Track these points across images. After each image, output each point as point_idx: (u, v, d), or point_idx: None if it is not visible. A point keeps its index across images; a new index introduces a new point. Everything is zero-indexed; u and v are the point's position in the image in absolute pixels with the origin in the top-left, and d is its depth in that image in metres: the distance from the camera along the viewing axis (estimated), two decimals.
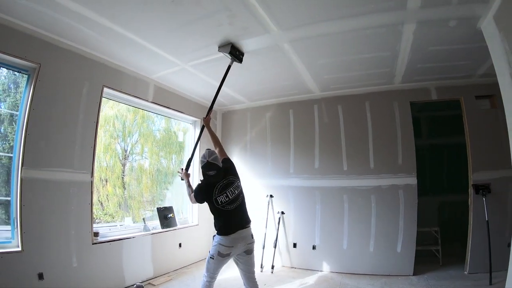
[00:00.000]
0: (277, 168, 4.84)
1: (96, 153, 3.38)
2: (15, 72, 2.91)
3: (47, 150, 2.87)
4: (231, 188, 2.47)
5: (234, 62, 3.25)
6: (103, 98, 3.47)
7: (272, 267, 4.37)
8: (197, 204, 3.81)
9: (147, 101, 4.05)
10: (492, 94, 3.75)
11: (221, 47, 3.11)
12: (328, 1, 2.42)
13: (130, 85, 3.81)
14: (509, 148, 2.64)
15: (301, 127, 4.74)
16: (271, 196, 4.76)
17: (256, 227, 4.66)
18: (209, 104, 3.35)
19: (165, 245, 4.16)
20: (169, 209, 4.47)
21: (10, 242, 2.63)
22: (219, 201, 2.40)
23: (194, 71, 3.80)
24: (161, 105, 4.26)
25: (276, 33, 2.88)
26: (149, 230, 4.05)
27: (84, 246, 3.11)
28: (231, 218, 2.44)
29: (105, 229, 3.79)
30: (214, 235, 2.44)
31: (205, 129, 3.12)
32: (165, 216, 4.32)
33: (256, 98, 4.95)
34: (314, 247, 4.41)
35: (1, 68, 2.84)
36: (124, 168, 5.16)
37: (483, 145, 3.77)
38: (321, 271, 4.30)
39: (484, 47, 2.78)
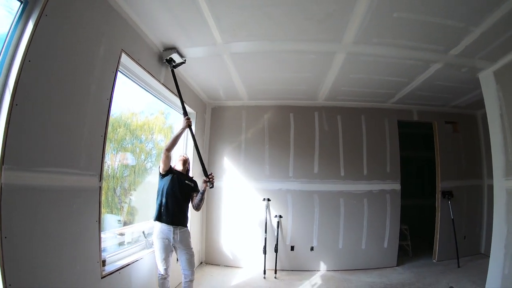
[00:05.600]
0: (276, 172, 4.83)
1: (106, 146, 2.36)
2: None
3: (43, 137, 1.74)
4: None
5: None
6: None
7: (275, 271, 4.34)
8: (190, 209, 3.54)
9: (159, 81, 3.25)
10: (456, 121, 4.86)
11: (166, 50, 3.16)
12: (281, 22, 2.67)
13: (146, 58, 2.96)
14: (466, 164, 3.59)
15: (301, 132, 4.87)
16: (268, 200, 4.72)
17: (254, 231, 4.61)
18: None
19: None
20: None
21: None
22: None
23: (228, 60, 3.43)
24: (169, 89, 3.52)
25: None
26: (151, 246, 3.26)
27: (92, 284, 2.16)
28: None
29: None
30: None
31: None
32: None
33: (258, 97, 4.79)
34: (312, 249, 4.61)
35: None
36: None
37: (448, 160, 4.82)
38: (318, 271, 4.54)
39: (469, 88, 3.85)
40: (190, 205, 3.08)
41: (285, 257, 4.62)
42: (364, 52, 3.13)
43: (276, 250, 4.45)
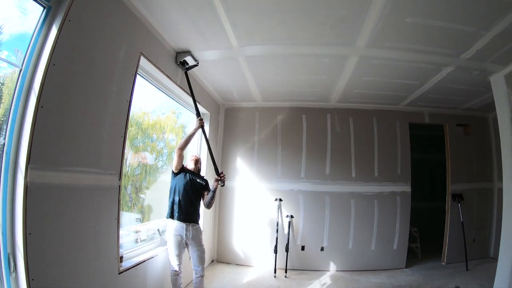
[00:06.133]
0: (287, 172, 4.88)
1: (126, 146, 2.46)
2: None
3: (67, 137, 1.81)
4: None
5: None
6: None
7: (286, 271, 4.42)
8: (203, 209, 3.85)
9: (175, 83, 3.32)
10: (467, 123, 4.87)
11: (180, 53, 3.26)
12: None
13: (163, 60, 3.04)
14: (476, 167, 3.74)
15: (313, 133, 4.91)
16: (280, 200, 4.78)
17: (265, 230, 4.68)
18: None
19: None
20: None
21: None
22: None
23: (243, 63, 3.48)
24: (185, 91, 3.56)
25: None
26: (165, 243, 3.37)
27: (109, 279, 2.24)
28: None
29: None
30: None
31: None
32: None
33: (271, 99, 4.84)
34: (322, 249, 4.67)
35: None
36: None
37: (459, 163, 4.84)
38: (328, 271, 4.61)
39: (480, 91, 3.89)
40: (201, 202, 3.18)
41: (295, 256, 4.68)
42: (376, 55, 3.18)
43: (287, 250, 4.52)
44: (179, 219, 2.89)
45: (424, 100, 4.55)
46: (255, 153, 4.97)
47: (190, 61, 3.34)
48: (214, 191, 3.14)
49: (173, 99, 3.80)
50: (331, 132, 4.90)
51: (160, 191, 4.04)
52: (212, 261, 4.81)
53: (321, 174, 4.81)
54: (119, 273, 2.35)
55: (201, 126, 3.21)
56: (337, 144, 4.87)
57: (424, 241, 5.26)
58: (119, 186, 2.33)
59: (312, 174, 4.83)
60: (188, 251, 3.01)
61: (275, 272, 4.36)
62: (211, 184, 3.21)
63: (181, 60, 3.27)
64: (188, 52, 3.25)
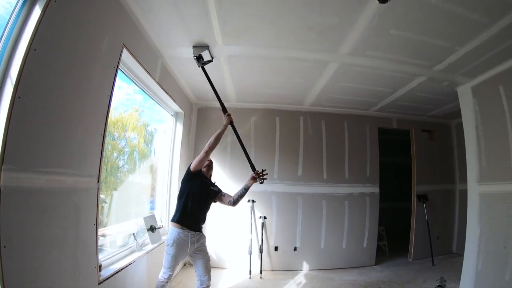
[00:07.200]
0: None
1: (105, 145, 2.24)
2: None
3: (45, 134, 1.59)
4: None
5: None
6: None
7: (261, 272, 4.46)
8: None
9: (154, 80, 3.20)
10: (432, 130, 5.18)
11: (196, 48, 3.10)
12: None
13: (144, 54, 2.84)
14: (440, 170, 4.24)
15: (287, 135, 5.01)
16: (253, 201, 4.83)
17: (239, 232, 4.70)
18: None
19: (156, 263, 3.38)
20: (153, 218, 3.85)
21: None
22: None
23: (224, 62, 3.48)
24: (163, 88, 3.52)
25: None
26: (141, 249, 3.24)
27: None
28: None
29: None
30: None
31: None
32: (153, 228, 3.70)
33: (246, 100, 4.88)
34: (295, 249, 4.76)
35: None
36: None
37: (424, 166, 5.13)
38: (302, 270, 4.69)
39: (447, 100, 4.19)
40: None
41: (269, 257, 4.74)
42: (357, 63, 3.33)
43: (261, 251, 4.58)
44: (188, 226, 2.66)
45: (393, 106, 4.81)
46: (228, 154, 4.99)
47: (206, 56, 3.17)
48: (247, 189, 2.93)
49: (150, 97, 3.70)
50: (303, 135, 5.03)
51: (123, 192, 3.96)
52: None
53: (293, 176, 4.92)
54: (99, 283, 2.16)
55: (230, 122, 2.92)
56: (310, 146, 5.01)
57: (390, 239, 5.49)
58: (98, 188, 2.14)
59: (285, 175, 4.92)
60: (192, 261, 2.81)
61: (250, 273, 4.38)
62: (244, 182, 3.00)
63: (197, 55, 3.12)
64: (206, 47, 3.08)
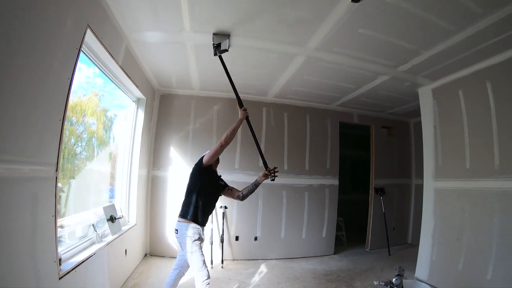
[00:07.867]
0: (222, 163, 4.68)
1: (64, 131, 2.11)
2: None
3: (1, 119, 1.48)
4: None
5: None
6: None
7: (222, 261, 4.45)
8: (136, 200, 4.20)
9: (117, 63, 3.11)
10: (391, 126, 5.42)
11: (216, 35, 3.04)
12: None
13: (108, 36, 2.72)
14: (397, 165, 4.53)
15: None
16: None
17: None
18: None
19: (117, 255, 3.40)
20: (113, 208, 3.74)
21: None
22: None
23: (190, 48, 3.41)
24: (126, 72, 3.40)
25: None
26: (102, 240, 3.09)
27: (50, 286, 1.93)
28: None
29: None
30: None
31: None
32: (113, 218, 3.59)
33: (209, 88, 4.86)
34: (256, 238, 4.79)
35: None
36: None
37: (382, 160, 5.35)
38: (263, 259, 4.72)
39: (407, 100, 4.43)
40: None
41: (230, 247, 4.74)
42: (323, 58, 3.40)
43: (222, 241, 4.57)
44: (200, 223, 2.61)
45: (355, 102, 4.98)
46: (190, 142, 4.95)
47: (224, 45, 3.10)
48: (258, 185, 2.96)
49: (112, 80, 3.56)
50: (266, 126, 5.11)
51: (81, 180, 3.85)
52: (146, 255, 4.66)
53: (255, 166, 4.95)
54: (59, 278, 2.04)
55: (246, 117, 2.91)
56: (271, 137, 5.08)
57: (349, 230, 5.66)
58: (56, 177, 2.01)
59: (246, 165, 4.95)
60: (181, 251, 2.76)
61: (211, 263, 4.34)
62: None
63: (217, 43, 3.05)
64: (228, 35, 3.01)
